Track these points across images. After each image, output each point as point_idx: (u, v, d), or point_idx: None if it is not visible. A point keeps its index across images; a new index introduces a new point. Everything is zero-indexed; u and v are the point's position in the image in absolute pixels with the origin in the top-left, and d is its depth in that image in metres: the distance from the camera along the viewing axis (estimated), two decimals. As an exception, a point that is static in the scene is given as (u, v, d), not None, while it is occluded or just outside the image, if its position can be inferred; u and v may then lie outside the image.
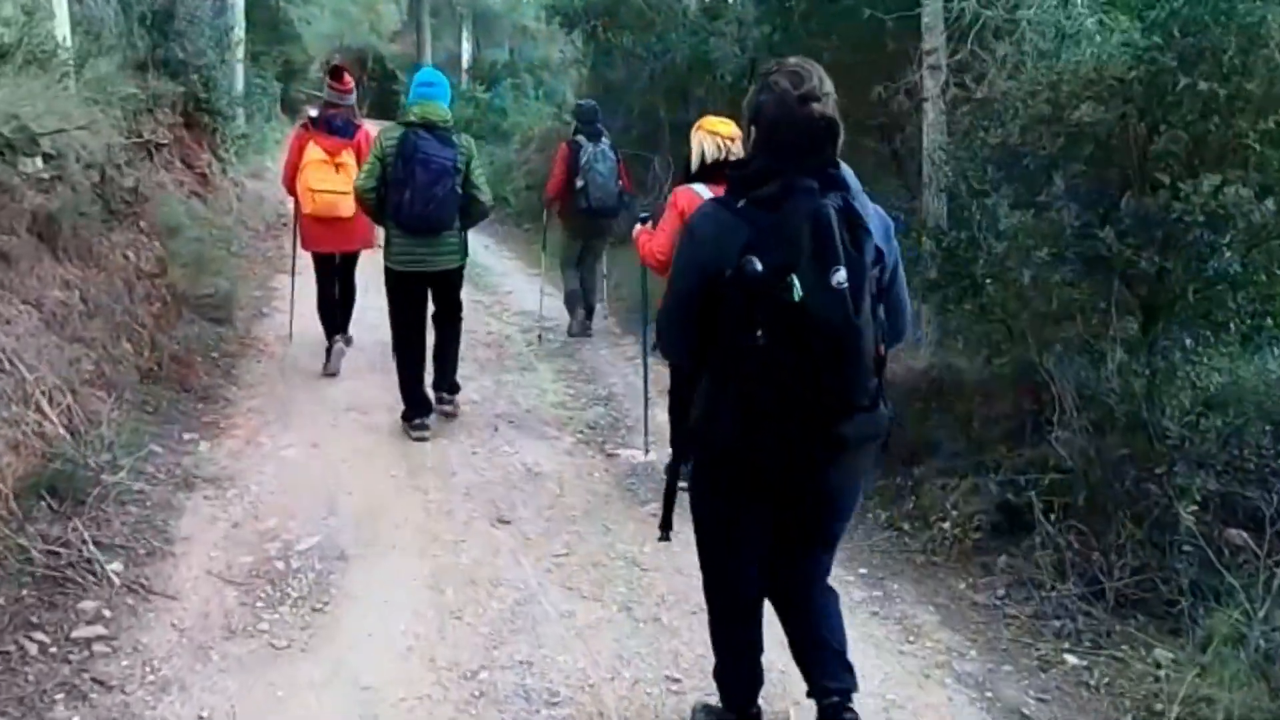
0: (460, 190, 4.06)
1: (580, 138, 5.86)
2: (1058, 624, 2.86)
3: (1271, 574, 2.60)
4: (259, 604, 2.84)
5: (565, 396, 5.08)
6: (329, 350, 5.20)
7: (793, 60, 1.90)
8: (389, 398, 4.82)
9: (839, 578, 3.16)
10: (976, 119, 3.58)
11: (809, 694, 2.10)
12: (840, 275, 1.73)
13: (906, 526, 3.48)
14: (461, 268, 4.32)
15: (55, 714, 2.27)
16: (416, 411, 4.29)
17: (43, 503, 3.11)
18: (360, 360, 5.53)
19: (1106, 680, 2.60)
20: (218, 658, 2.55)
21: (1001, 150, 3.37)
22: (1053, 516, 3.10)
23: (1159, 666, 2.61)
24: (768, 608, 2.18)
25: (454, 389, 4.57)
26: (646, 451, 4.17)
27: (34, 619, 2.59)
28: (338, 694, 2.43)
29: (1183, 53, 3.02)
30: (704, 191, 3.15)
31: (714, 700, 2.27)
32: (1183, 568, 2.84)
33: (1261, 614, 2.51)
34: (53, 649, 2.50)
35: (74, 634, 2.56)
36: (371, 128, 5.36)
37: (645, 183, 8.73)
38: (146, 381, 4.47)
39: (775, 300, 1.74)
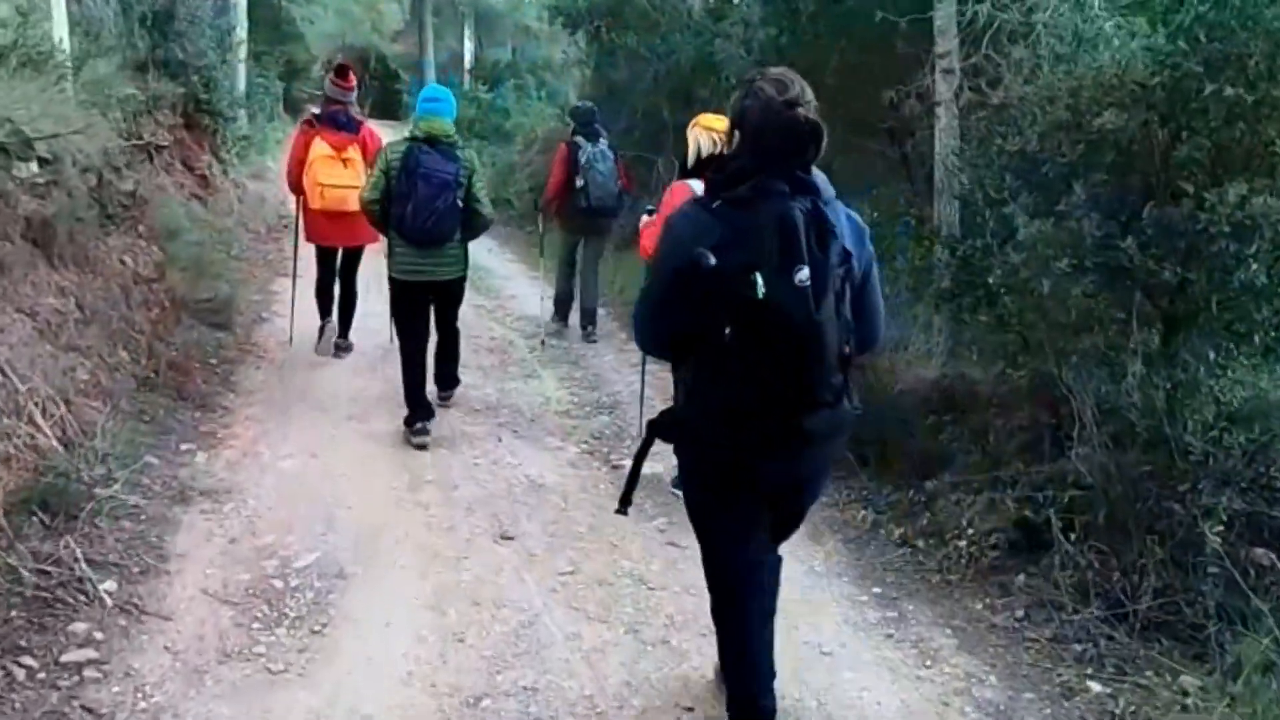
0: (462, 204, 4.14)
1: (579, 138, 5.91)
2: (1079, 648, 2.77)
3: (1302, 598, 2.51)
4: (255, 625, 2.75)
5: (569, 405, 5.00)
6: (321, 329, 5.39)
7: (774, 70, 1.99)
8: (390, 406, 4.75)
9: (852, 597, 3.09)
10: (993, 125, 3.49)
11: (728, 702, 2.21)
12: (803, 274, 1.83)
13: (921, 544, 3.39)
14: (463, 278, 4.41)
15: (42, 744, 2.20)
16: (417, 416, 4.32)
17: (34, 519, 3.03)
18: (361, 365, 5.46)
19: (1132, 709, 2.51)
20: (211, 683, 2.47)
21: (1019, 158, 3.28)
22: (1073, 535, 3.01)
23: (1186, 695, 2.52)
24: None
25: (453, 384, 4.73)
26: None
27: (22, 642, 2.50)
28: (336, 723, 2.35)
29: (1208, 58, 2.93)
30: (699, 187, 3.10)
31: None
32: (1208, 590, 2.75)
33: (1293, 641, 2.42)
34: (41, 674, 2.41)
35: (64, 658, 2.48)
36: (373, 126, 5.47)
37: (650, 184, 8.64)
38: (143, 390, 4.39)
39: (740, 297, 1.83)
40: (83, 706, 2.32)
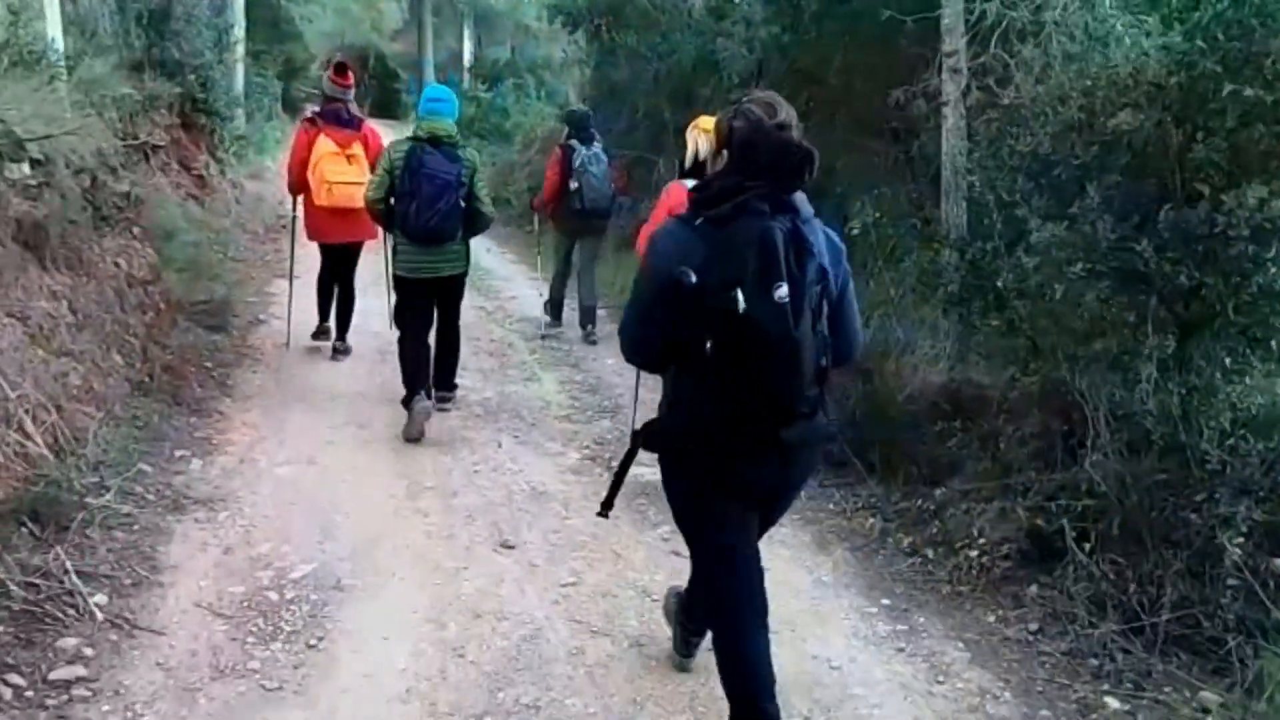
0: (464, 203, 4.22)
1: (573, 141, 6.00)
2: (1095, 663, 2.70)
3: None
4: (250, 640, 2.68)
5: (570, 409, 4.93)
6: (320, 327, 5.57)
7: (761, 93, 2.08)
8: (388, 410, 4.69)
9: (861, 609, 3.02)
10: (1003, 126, 3.41)
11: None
12: (782, 291, 1.89)
13: (930, 553, 3.32)
14: (464, 274, 4.52)
15: (29, 767, 2.12)
16: (417, 388, 4.39)
17: (23, 529, 2.96)
18: (360, 368, 5.39)
19: (1151, 726, 2.45)
20: (204, 701, 2.40)
21: (1031, 159, 3.20)
22: (1087, 546, 2.94)
23: (1207, 712, 2.45)
24: None
25: (452, 388, 4.70)
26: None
27: (9, 659, 2.43)
28: (332, 742, 2.28)
29: (1226, 57, 2.86)
30: None
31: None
32: (1227, 602, 2.68)
33: (1317, 656, 2.36)
34: (29, 693, 2.34)
35: (52, 675, 2.41)
36: (372, 124, 5.48)
37: (651, 185, 8.57)
38: (137, 394, 4.31)
39: (721, 312, 1.90)
40: (71, 726, 2.25)
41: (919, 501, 3.62)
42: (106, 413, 3.98)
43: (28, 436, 3.29)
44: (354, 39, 25.15)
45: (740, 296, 1.88)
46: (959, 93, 4.23)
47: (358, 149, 5.00)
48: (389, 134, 6.05)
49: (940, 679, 2.66)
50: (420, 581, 3.06)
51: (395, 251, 4.40)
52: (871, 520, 3.62)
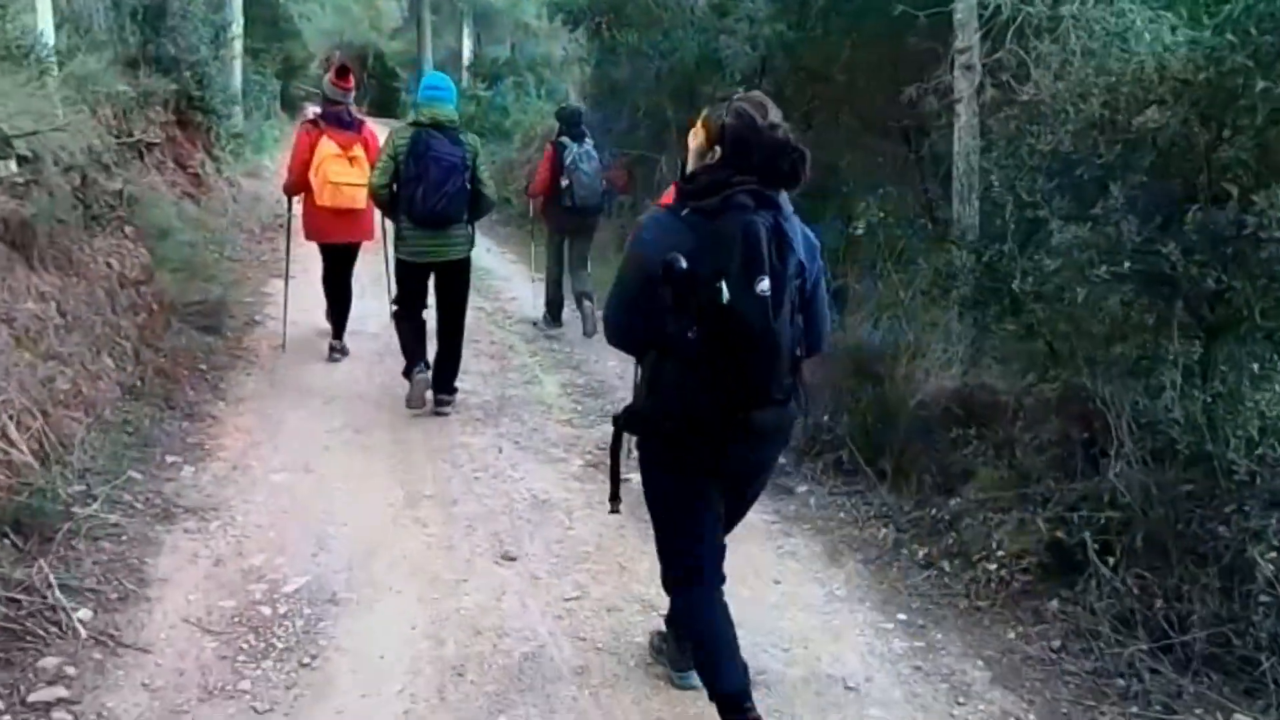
0: (468, 186, 4.32)
1: (564, 138, 6.04)
2: (1122, 683, 2.59)
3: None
4: (240, 658, 2.57)
5: (572, 413, 4.81)
6: (330, 345, 5.49)
7: (752, 94, 2.17)
8: (386, 414, 4.59)
9: (876, 625, 2.91)
10: (1022, 124, 3.30)
11: (710, 695, 2.29)
12: (764, 284, 1.98)
13: (947, 566, 3.21)
14: (469, 259, 4.58)
15: (4, 797, 2.01)
16: (416, 361, 4.58)
17: (6, 541, 2.85)
18: (358, 371, 5.29)
19: (1183, 751, 2.34)
20: (192, 724, 2.29)
21: (1052, 158, 3.09)
22: (1111, 560, 2.83)
23: (1240, 736, 2.35)
24: None
25: (451, 391, 4.69)
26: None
27: (-13, 680, 2.32)
28: (325, 769, 2.17)
29: (1257, 52, 2.75)
30: None
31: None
32: (1259, 620, 2.57)
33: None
34: (5, 716, 2.22)
35: (31, 697, 2.30)
36: (371, 123, 5.53)
37: (653, 184, 8.46)
38: (128, 398, 4.21)
39: (707, 301, 1.98)
40: (50, 752, 2.14)
41: (932, 511, 3.51)
42: (96, 418, 3.87)
43: (12, 444, 3.17)
44: (353, 37, 25.07)
45: (725, 288, 1.95)
46: (972, 90, 4.12)
47: (358, 151, 5.05)
48: (388, 131, 5.96)
49: (961, 700, 2.55)
50: (418, 595, 2.94)
51: (400, 238, 4.43)
52: (884, 530, 3.51)
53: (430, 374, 4.58)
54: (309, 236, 5.35)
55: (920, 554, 3.31)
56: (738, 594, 3.05)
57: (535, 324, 6.47)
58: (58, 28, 5.79)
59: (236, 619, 2.75)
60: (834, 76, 6.21)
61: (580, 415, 4.79)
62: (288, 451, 4.03)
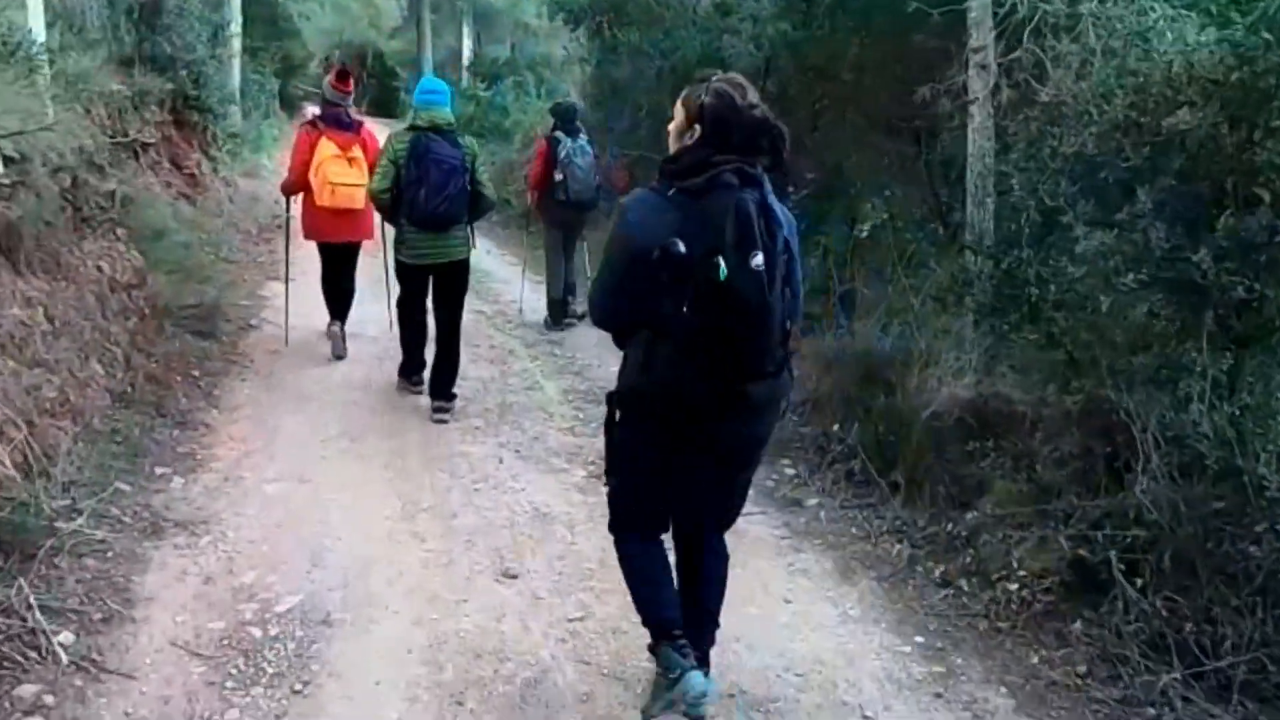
0: (468, 188, 4.37)
1: (559, 133, 6.05)
2: (1153, 712, 2.48)
3: None
4: (229, 684, 2.45)
5: (574, 421, 4.69)
6: (330, 329, 5.53)
7: (730, 75, 2.18)
8: (384, 422, 4.47)
9: (892, 648, 2.80)
10: (1042, 125, 3.19)
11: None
12: (758, 259, 2.01)
13: (965, 585, 3.09)
14: (468, 259, 4.60)
15: (-25, 839, 1.90)
16: (415, 369, 4.76)
17: (-15, 559, 2.73)
18: (355, 377, 5.16)
19: (1219, 786, 2.22)
20: (176, 757, 2.17)
21: (1075, 161, 2.98)
22: (1139, 581, 2.71)
23: (1280, 770, 2.23)
24: None
25: (450, 398, 4.64)
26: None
27: (-40, 710, 2.21)
28: (316, 806, 2.05)
29: (1293, 51, 2.63)
30: None
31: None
32: (1296, 646, 2.46)
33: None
34: (-21, 750, 2.11)
35: (7, 729, 2.18)
36: (370, 123, 5.58)
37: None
38: (117, 406, 4.08)
39: (702, 279, 2.00)
40: (25, 790, 2.03)
41: (948, 525, 3.39)
42: (84, 427, 3.75)
43: (-6, 456, 3.06)
44: (352, 36, 24.96)
45: (722, 264, 1.98)
46: (987, 90, 4.00)
47: (357, 152, 5.10)
48: (387, 132, 5.87)
49: (984, 730, 2.44)
50: (416, 615, 2.83)
51: (400, 241, 4.47)
52: (898, 546, 3.39)
53: (424, 381, 4.70)
54: (308, 236, 5.38)
55: (936, 572, 3.19)
56: (747, 612, 2.96)
57: (542, 325, 6.42)
58: (50, 25, 5.66)
59: (226, 641, 2.63)
60: (841, 75, 6.09)
61: (582, 423, 4.67)
62: (282, 461, 3.91)
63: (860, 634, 2.87)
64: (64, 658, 2.44)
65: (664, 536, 2.42)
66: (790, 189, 5.97)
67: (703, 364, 2.08)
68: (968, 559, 3.18)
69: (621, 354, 2.29)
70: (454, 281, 4.55)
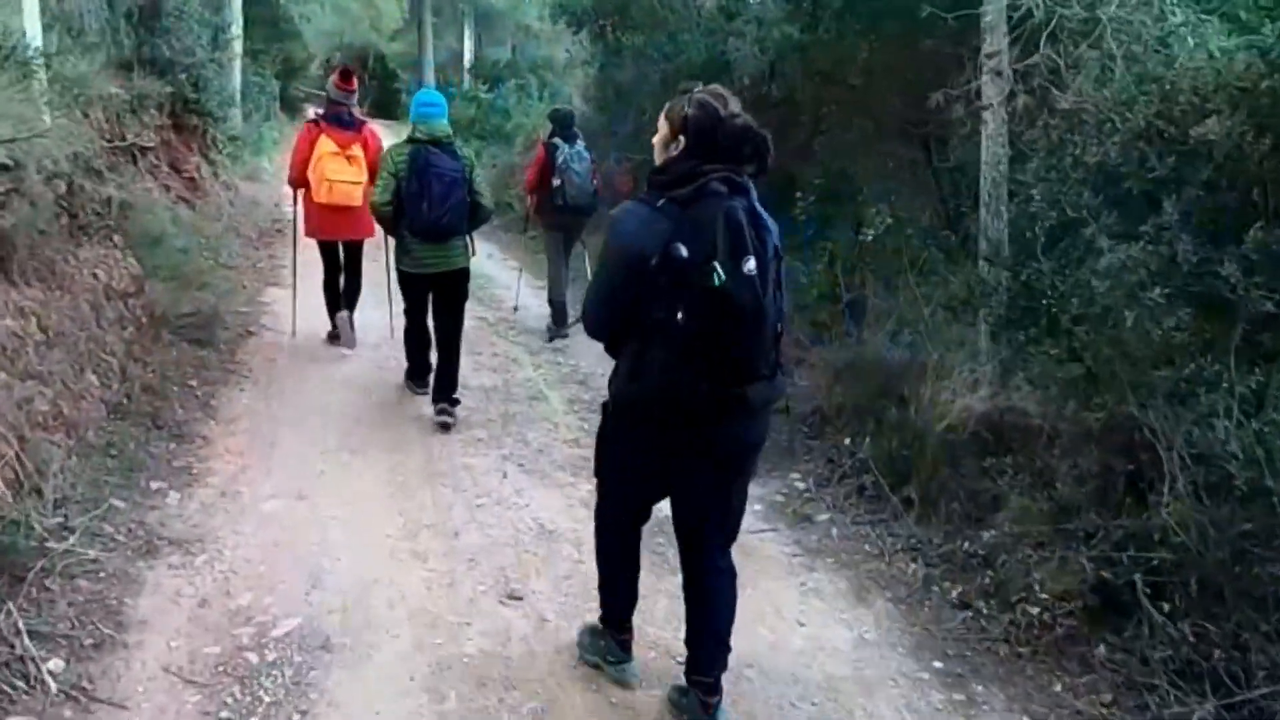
0: (467, 198, 4.42)
1: (556, 140, 6.10)
2: (1184, 745, 2.39)
3: None
4: (224, 714, 2.36)
5: (579, 432, 4.60)
6: (334, 324, 5.60)
7: (711, 86, 2.22)
8: (385, 434, 4.38)
9: (911, 674, 2.71)
10: (1062, 133, 3.10)
11: (688, 663, 2.45)
12: (751, 264, 2.07)
13: (983, 607, 3.00)
14: (468, 268, 4.66)
15: None
16: (420, 374, 4.83)
17: (-28, 582, 2.65)
18: (355, 387, 5.07)
19: (1256, 826, 2.13)
20: (168, 795, 2.08)
21: (1098, 171, 2.89)
22: (1167, 607, 2.62)
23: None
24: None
25: (454, 402, 4.65)
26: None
27: (-57, 745, 2.12)
28: None
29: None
30: None
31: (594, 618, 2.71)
32: (1332, 676, 2.37)
33: None
34: (-37, 788, 2.03)
35: (-8, 764, 2.10)
36: (372, 125, 5.56)
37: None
38: (113, 418, 4.00)
39: (698, 285, 2.05)
40: (9, 831, 1.94)
41: (964, 544, 3.30)
42: (77, 440, 3.67)
43: (-17, 473, 2.97)
44: (353, 39, 24.91)
45: (719, 270, 2.03)
46: (1002, 97, 3.91)
47: (357, 150, 5.16)
48: (388, 134, 5.82)
49: (1008, 763, 2.35)
50: (417, 640, 2.74)
51: (403, 251, 4.50)
52: (913, 565, 3.30)
53: (430, 384, 4.74)
54: (309, 234, 5.46)
55: (953, 593, 3.10)
56: (759, 636, 2.87)
57: (544, 331, 6.40)
58: (47, 29, 5.58)
59: (221, 668, 2.55)
60: (849, 80, 6.00)
61: (587, 434, 4.57)
62: (280, 475, 3.83)
63: (877, 659, 2.78)
64: (53, 686, 2.36)
65: (669, 554, 2.56)
66: (798, 195, 5.91)
67: (700, 368, 2.12)
68: (986, 579, 3.08)
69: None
70: (455, 289, 4.60)
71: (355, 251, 5.55)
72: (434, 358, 4.73)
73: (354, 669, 2.58)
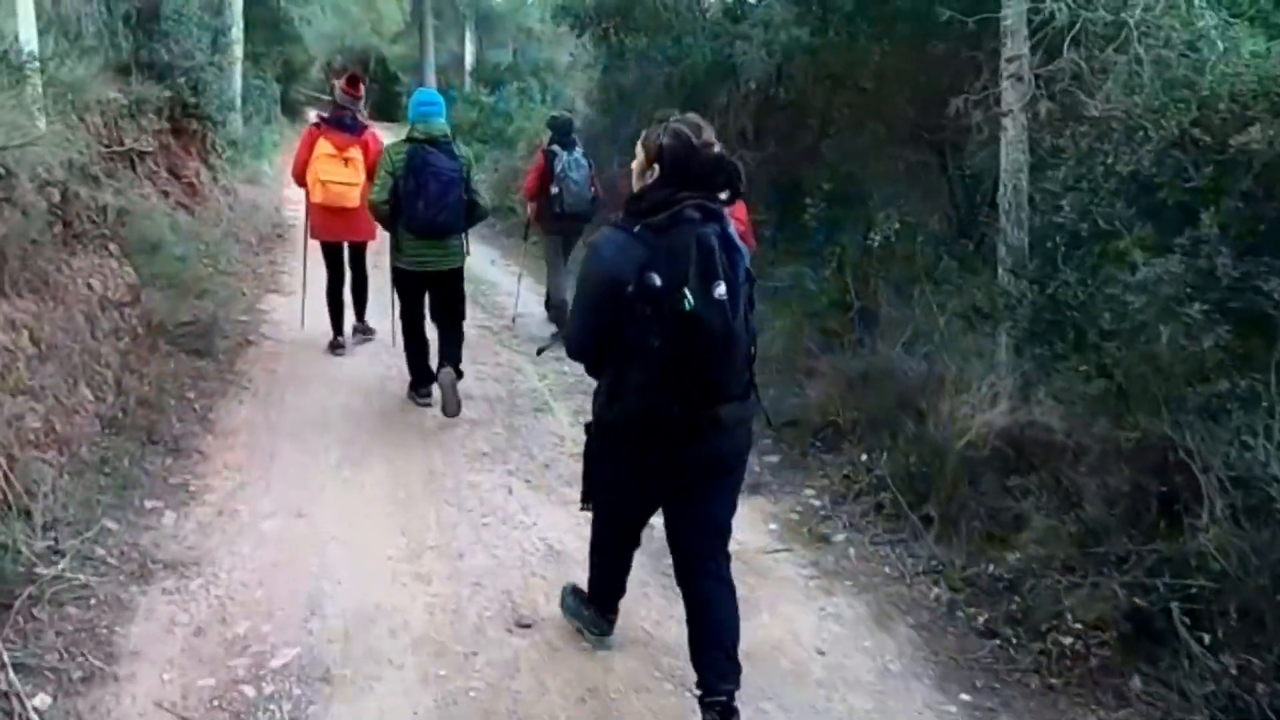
0: (464, 197, 4.46)
1: (555, 146, 6.15)
2: (1231, 788, 2.27)
3: None
4: (218, 754, 2.25)
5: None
6: (333, 343, 5.67)
7: (687, 115, 2.29)
8: (387, 448, 4.27)
9: (938, 707, 2.59)
10: (1091, 141, 2.98)
11: (698, 686, 2.40)
12: (721, 290, 2.14)
13: (1011, 635, 2.88)
14: (463, 267, 4.75)
15: None
16: (422, 382, 4.84)
17: (-43, 611, 2.53)
18: (356, 397, 4.96)
19: None
20: (159, 845, 1.97)
21: (1131, 181, 2.77)
22: (1208, 638, 2.50)
23: None
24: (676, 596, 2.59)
25: (458, 368, 4.76)
26: None
27: (-79, 791, 2.00)
28: None
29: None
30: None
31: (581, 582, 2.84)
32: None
33: None
34: (-60, 839, 1.91)
35: (-28, 812, 1.98)
36: (376, 129, 5.61)
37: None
38: (107, 432, 3.88)
39: (670, 310, 2.12)
40: None
41: (988, 567, 3.18)
42: (70, 456, 3.55)
43: (-31, 496, 2.86)
44: (354, 42, 24.82)
45: (689, 296, 2.10)
46: (1023, 102, 3.79)
47: (355, 153, 5.25)
48: (389, 136, 5.75)
49: (1045, 806, 2.23)
50: (422, 672, 2.62)
51: (398, 249, 4.57)
52: (935, 589, 3.18)
53: (432, 394, 4.78)
54: (313, 235, 5.58)
55: (979, 619, 2.98)
56: (778, 666, 2.75)
57: (549, 338, 6.30)
58: (42, 33, 5.47)
59: (216, 702, 2.43)
60: (860, 83, 5.89)
61: (594, 448, 4.46)
62: (279, 492, 3.71)
63: (902, 691, 2.66)
64: (39, 726, 2.24)
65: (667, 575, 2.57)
66: (807, 200, 5.79)
67: (674, 390, 2.20)
68: (1012, 605, 2.96)
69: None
70: (451, 286, 4.70)
71: (358, 254, 5.65)
72: (434, 362, 4.78)
73: (355, 703, 2.47)
